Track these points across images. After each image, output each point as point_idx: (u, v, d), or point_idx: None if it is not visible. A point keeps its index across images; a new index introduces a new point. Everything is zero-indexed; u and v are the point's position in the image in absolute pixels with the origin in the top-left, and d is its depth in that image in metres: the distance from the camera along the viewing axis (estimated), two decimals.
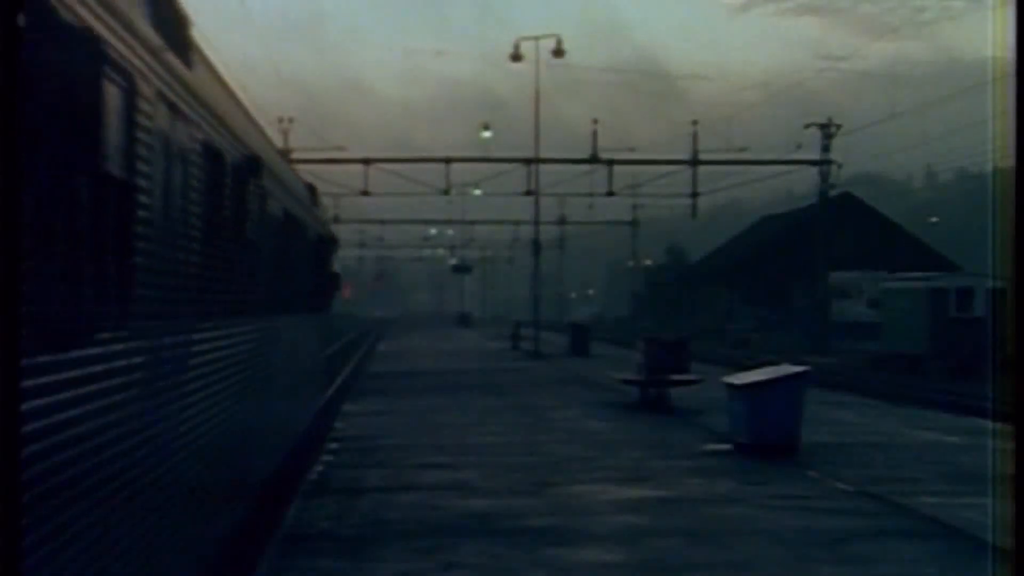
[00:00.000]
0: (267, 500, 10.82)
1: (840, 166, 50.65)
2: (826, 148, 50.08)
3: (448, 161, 48.52)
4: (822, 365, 33.81)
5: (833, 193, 53.22)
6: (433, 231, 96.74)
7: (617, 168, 50.38)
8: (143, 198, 5.54)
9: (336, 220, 52.42)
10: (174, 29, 6.35)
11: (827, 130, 50.11)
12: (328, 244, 19.89)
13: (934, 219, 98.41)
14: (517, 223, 79.46)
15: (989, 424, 18.01)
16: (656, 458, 14.81)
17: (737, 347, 53.55)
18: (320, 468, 13.85)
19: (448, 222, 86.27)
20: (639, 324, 77.19)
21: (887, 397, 25.47)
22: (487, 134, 48.88)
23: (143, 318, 5.61)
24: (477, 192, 59.17)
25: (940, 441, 16.89)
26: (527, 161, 45.97)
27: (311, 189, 17.93)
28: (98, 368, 4.84)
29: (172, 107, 6.22)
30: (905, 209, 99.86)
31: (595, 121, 49.22)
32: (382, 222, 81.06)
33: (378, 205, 61.21)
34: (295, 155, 44.52)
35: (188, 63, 6.77)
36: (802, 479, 13.14)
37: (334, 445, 16.08)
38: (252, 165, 9.43)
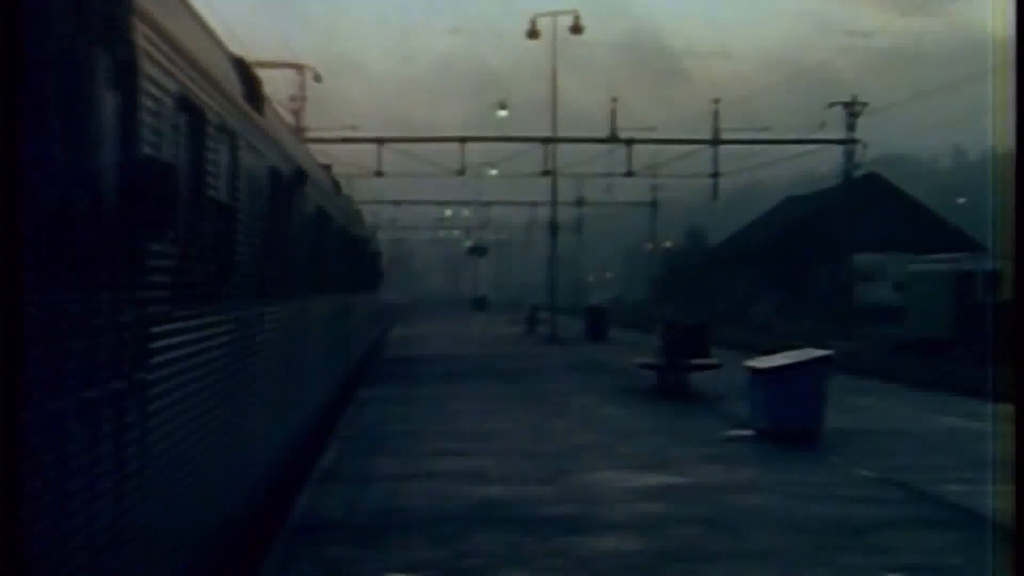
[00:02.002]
0: (374, 345, 35.89)
1: (866, 146, 50.36)
2: (851, 127, 49.80)
3: (463, 140, 48.39)
4: (845, 350, 33.71)
5: (858, 174, 52.95)
6: (448, 212, 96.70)
7: (636, 148, 50.22)
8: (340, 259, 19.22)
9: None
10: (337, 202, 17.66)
11: (852, 109, 49.81)
12: (379, 255, 37.79)
13: (962, 199, 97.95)
14: (534, 204, 79.47)
15: (1016, 410, 17.92)
16: (675, 445, 14.80)
17: (758, 331, 53.43)
18: (332, 455, 13.87)
19: (463, 203, 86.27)
20: (658, 308, 77.08)
21: (912, 383, 25.39)
22: (503, 113, 48.76)
23: (326, 290, 16.22)
24: (493, 172, 59.12)
25: (966, 427, 16.83)
26: (544, 140, 45.84)
27: (373, 231, 38.07)
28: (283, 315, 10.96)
29: (358, 238, 24.76)
30: (932, 189, 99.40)
31: (614, 99, 49.03)
32: (396, 203, 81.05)
33: (392, 186, 61.20)
34: (308, 134, 44.50)
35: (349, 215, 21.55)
36: (825, 466, 13.12)
37: (345, 432, 16.11)
38: (367, 240, 30.61)
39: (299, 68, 33.33)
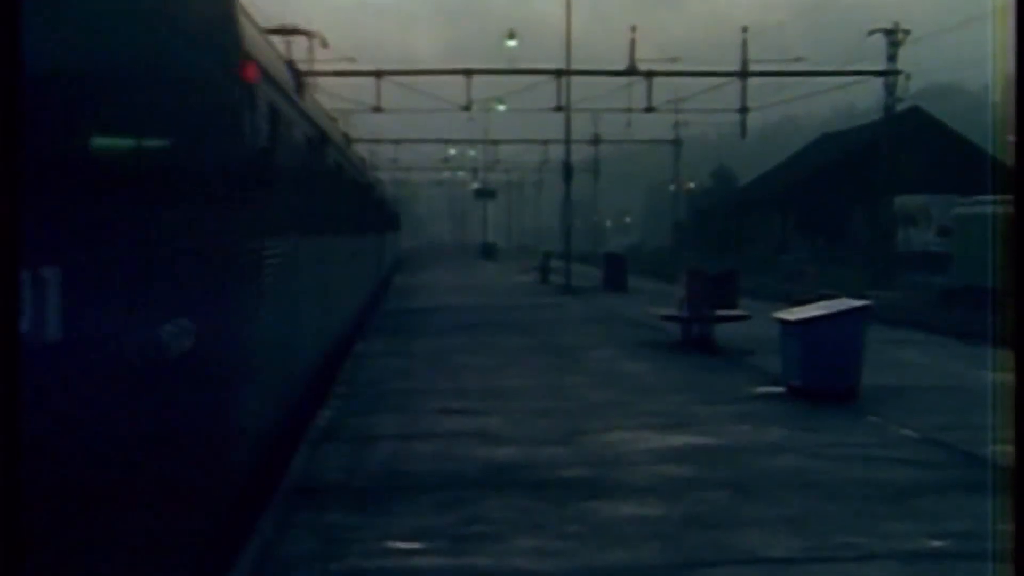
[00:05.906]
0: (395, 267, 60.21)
1: (908, 77, 49.96)
2: (892, 57, 49.39)
3: (469, 73, 48.12)
4: (886, 300, 33.70)
5: (900, 108, 52.61)
6: (452, 151, 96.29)
7: (658, 81, 49.90)
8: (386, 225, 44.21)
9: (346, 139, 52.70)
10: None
11: (893, 37, 49.38)
12: (396, 213, 64.28)
13: (1012, 138, 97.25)
14: (546, 142, 79.22)
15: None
16: (700, 403, 14.83)
17: (791, 280, 53.38)
18: (329, 413, 13.93)
19: (469, 141, 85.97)
20: (682, 255, 77.00)
21: (958, 335, 25.38)
22: (512, 43, 48.37)
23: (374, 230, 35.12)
24: (501, 108, 58.88)
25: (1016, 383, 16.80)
26: (557, 73, 45.54)
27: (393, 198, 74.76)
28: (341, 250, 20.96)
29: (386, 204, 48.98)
30: (981, 125, 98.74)
31: (633, 28, 48.64)
32: (396, 142, 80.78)
33: (392, 122, 61.00)
34: (300, 67, 44.29)
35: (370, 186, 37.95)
36: (862, 425, 13.14)
37: (343, 389, 16.17)
38: (395, 217, 65.62)
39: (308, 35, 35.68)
